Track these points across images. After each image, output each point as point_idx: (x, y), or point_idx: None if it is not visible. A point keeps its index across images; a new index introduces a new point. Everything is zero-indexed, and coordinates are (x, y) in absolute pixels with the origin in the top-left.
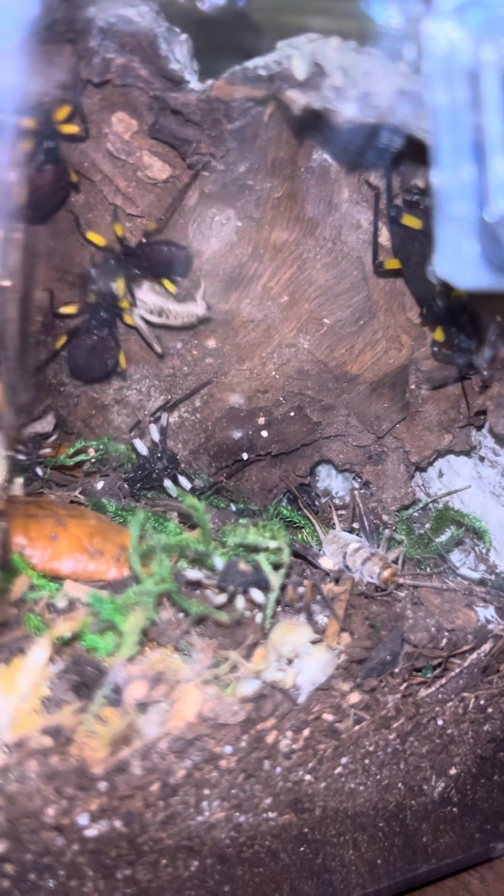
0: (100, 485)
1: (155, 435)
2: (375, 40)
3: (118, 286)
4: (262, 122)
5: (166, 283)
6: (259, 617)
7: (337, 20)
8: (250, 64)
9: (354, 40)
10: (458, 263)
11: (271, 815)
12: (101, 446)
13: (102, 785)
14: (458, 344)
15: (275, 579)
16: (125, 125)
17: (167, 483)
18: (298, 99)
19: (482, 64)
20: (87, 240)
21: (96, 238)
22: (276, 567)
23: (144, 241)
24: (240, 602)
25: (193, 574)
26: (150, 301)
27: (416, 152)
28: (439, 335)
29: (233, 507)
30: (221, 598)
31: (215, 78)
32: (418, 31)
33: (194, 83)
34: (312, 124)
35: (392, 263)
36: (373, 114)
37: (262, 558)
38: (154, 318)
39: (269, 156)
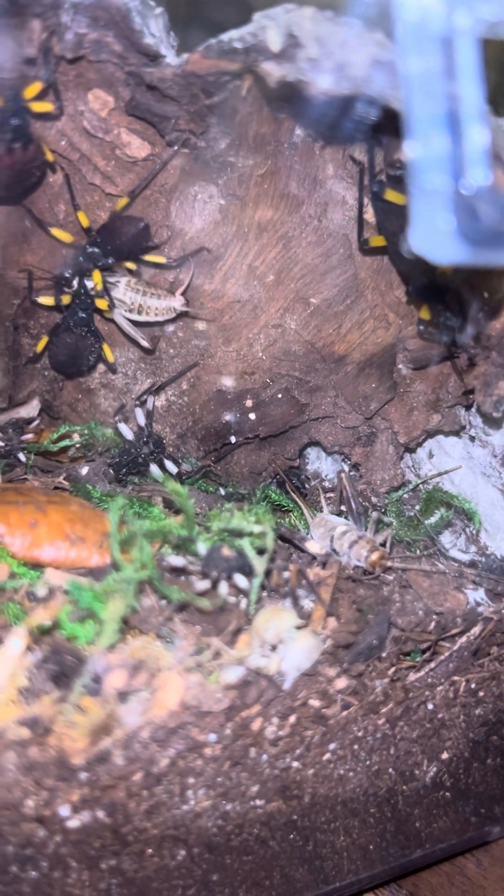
0: (84, 470)
1: (140, 419)
2: (352, 9)
3: (95, 279)
4: (240, 96)
5: (150, 257)
6: (244, 603)
7: None
8: (225, 37)
9: (330, 10)
10: (433, 238)
11: (259, 802)
12: (86, 431)
13: (83, 775)
14: (443, 322)
15: (259, 564)
16: (101, 102)
17: (153, 468)
18: (274, 71)
19: (456, 30)
20: (52, 237)
21: (62, 235)
22: (261, 552)
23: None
24: (223, 588)
25: (177, 560)
26: (127, 300)
27: (397, 125)
28: (425, 313)
29: (221, 492)
30: (204, 585)
31: (191, 52)
32: None
33: (171, 58)
34: (289, 98)
35: (377, 241)
36: (348, 85)
37: (245, 543)
38: (134, 317)
39: (250, 132)
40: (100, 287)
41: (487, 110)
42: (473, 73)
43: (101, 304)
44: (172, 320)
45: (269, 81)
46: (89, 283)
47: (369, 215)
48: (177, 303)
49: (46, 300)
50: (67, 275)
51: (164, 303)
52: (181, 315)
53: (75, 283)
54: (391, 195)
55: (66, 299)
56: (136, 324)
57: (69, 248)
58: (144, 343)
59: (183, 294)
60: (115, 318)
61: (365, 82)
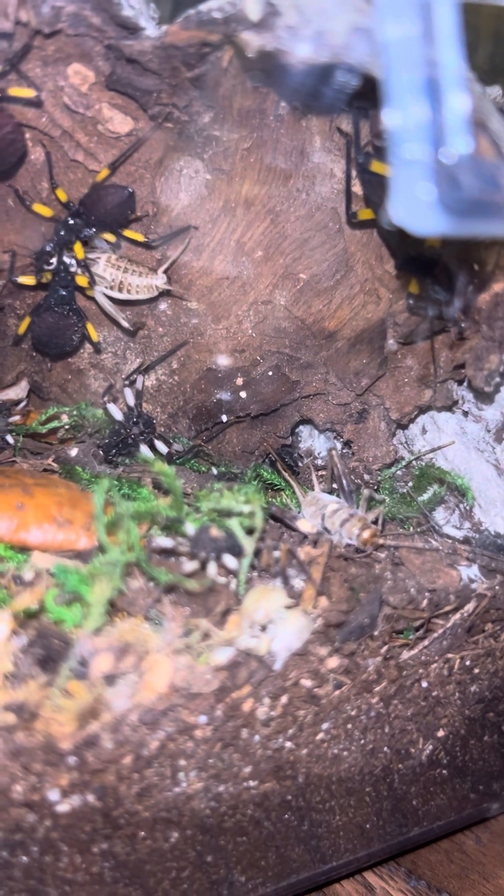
0: (74, 452)
1: (130, 399)
2: None
3: (76, 252)
4: (221, 68)
5: (129, 233)
6: (233, 584)
7: None
8: (204, 7)
9: None
10: (414, 208)
11: (252, 783)
12: (75, 412)
13: (72, 760)
14: (432, 295)
15: (248, 544)
16: (81, 77)
17: (143, 448)
18: (253, 41)
19: None
20: (33, 212)
21: (42, 210)
22: (250, 531)
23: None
24: (212, 569)
25: (165, 541)
26: (108, 276)
27: (379, 94)
28: (414, 287)
29: (214, 471)
30: (193, 566)
31: (170, 23)
32: None
33: (150, 29)
34: (270, 68)
35: (365, 214)
36: (328, 53)
37: (234, 523)
38: (115, 294)
39: (234, 105)
40: (81, 256)
41: (471, 77)
42: (453, 38)
43: (82, 280)
44: (155, 299)
45: (248, 51)
46: (70, 260)
47: (358, 188)
48: (159, 280)
49: (27, 279)
50: (49, 249)
51: (145, 280)
52: (164, 293)
53: (54, 260)
54: (377, 166)
55: (46, 277)
56: (119, 302)
57: (51, 223)
58: (125, 324)
59: (166, 272)
60: (96, 296)
61: (345, 50)
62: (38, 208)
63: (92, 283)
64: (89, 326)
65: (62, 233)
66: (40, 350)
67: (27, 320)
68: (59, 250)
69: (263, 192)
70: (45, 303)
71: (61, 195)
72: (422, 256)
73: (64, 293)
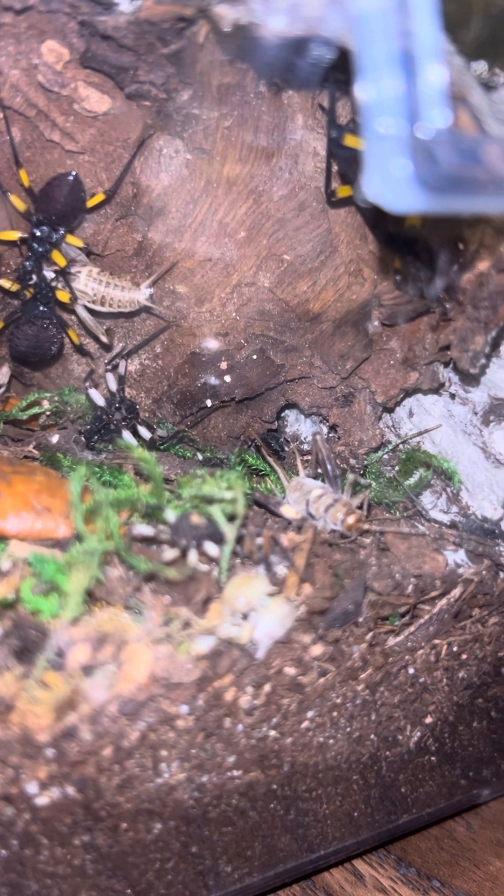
0: (55, 438)
1: (112, 384)
2: None
3: (56, 259)
4: (197, 44)
5: (70, 239)
6: (215, 571)
7: None
8: None
9: None
10: (389, 185)
11: (236, 773)
12: (56, 398)
13: (50, 752)
14: (414, 274)
15: (229, 531)
16: (56, 55)
17: (125, 434)
18: (227, 14)
19: None
20: (9, 202)
21: (17, 203)
22: (232, 518)
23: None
24: (193, 556)
25: (146, 529)
26: (90, 290)
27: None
28: (398, 263)
29: (199, 457)
30: (173, 553)
31: None
32: None
33: (125, 4)
34: (245, 43)
35: (344, 191)
36: (302, 26)
37: (215, 509)
38: (97, 308)
39: (212, 82)
40: (62, 264)
41: (451, 50)
42: (429, 8)
43: (63, 296)
44: (136, 313)
45: (222, 25)
46: (49, 275)
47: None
48: (141, 296)
49: (6, 283)
50: (29, 266)
51: (127, 295)
52: (145, 309)
53: (34, 276)
54: (350, 140)
55: (28, 292)
56: (99, 314)
57: (23, 222)
58: (104, 339)
59: (151, 286)
60: (77, 310)
61: (320, 22)
62: (14, 200)
63: (74, 299)
64: (71, 333)
65: (35, 245)
66: (19, 360)
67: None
68: (38, 265)
69: (245, 171)
70: (26, 316)
71: (24, 178)
72: (401, 235)
73: (44, 309)
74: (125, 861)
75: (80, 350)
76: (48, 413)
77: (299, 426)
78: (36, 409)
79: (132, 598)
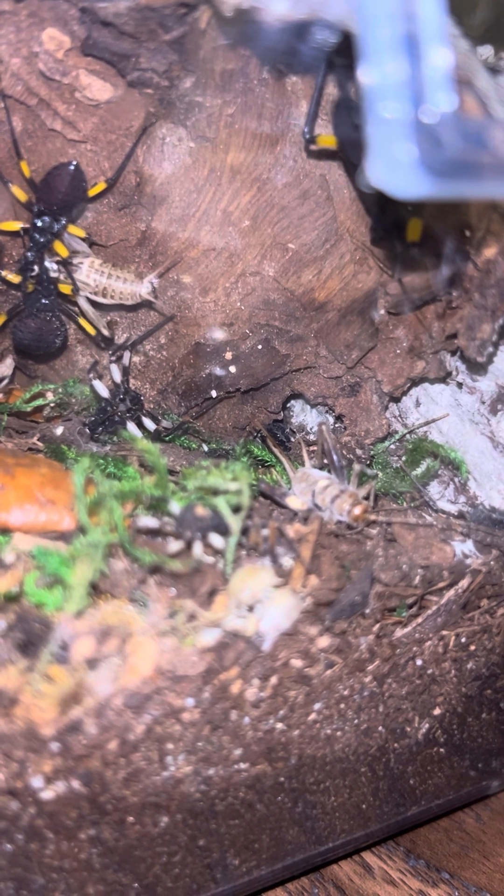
0: (59, 430)
1: (116, 375)
2: None
3: (58, 250)
4: (199, 30)
5: (72, 229)
6: (220, 563)
7: None
8: None
9: None
10: (393, 170)
11: (243, 766)
12: (60, 389)
13: (54, 746)
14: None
15: (234, 522)
16: (57, 42)
17: (129, 426)
18: None
19: None
20: (10, 193)
21: (19, 193)
22: (237, 509)
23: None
24: (198, 548)
25: (150, 521)
26: (91, 282)
27: None
28: (415, 234)
29: (205, 448)
30: (178, 545)
31: None
32: None
33: None
34: (247, 28)
35: (327, 140)
36: (305, 9)
37: (220, 501)
38: (99, 299)
39: (215, 68)
40: (65, 254)
41: (456, 34)
42: None
43: (65, 288)
44: (138, 306)
45: (224, 10)
46: (52, 266)
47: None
48: (143, 289)
49: (11, 276)
50: (31, 258)
51: (129, 287)
52: (147, 302)
53: (37, 267)
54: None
55: (30, 286)
56: (102, 306)
57: (26, 208)
58: (105, 332)
59: (155, 278)
60: (79, 302)
61: (322, 5)
62: (16, 191)
63: (76, 290)
64: (82, 321)
65: (36, 236)
66: (23, 353)
67: (3, 317)
68: (40, 256)
69: (249, 159)
70: (28, 309)
71: (25, 169)
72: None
73: (46, 301)
74: (132, 854)
75: (104, 339)
76: (52, 405)
77: (305, 416)
78: (40, 401)
79: (137, 591)
